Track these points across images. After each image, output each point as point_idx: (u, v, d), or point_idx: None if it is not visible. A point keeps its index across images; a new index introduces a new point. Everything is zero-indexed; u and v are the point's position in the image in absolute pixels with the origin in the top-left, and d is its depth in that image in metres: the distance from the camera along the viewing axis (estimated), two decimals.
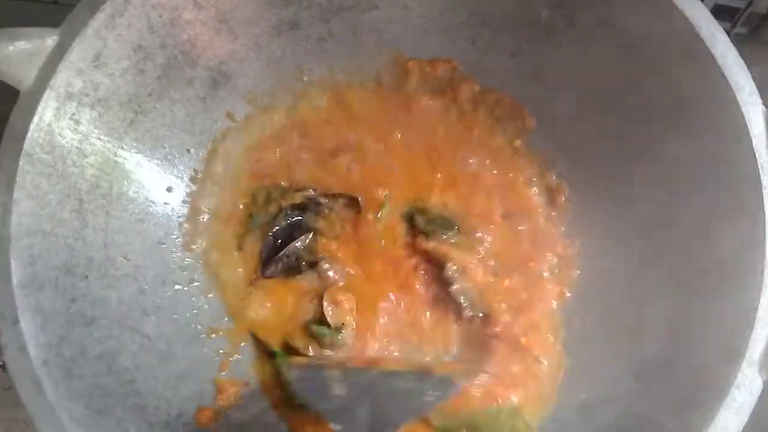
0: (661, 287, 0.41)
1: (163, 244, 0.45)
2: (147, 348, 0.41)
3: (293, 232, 0.47)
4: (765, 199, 0.37)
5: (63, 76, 0.39)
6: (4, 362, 0.48)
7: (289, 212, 0.47)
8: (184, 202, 0.46)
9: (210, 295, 0.45)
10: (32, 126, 0.38)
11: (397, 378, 0.39)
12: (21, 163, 0.38)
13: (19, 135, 0.38)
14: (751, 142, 0.38)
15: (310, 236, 0.47)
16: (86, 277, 0.40)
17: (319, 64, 0.48)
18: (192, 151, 0.46)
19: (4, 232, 0.37)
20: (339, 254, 0.46)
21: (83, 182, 0.41)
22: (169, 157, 0.45)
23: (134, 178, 0.43)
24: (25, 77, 0.38)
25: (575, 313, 0.45)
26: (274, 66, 0.47)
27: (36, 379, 0.36)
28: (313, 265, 0.46)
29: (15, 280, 0.36)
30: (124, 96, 0.42)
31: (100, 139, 0.41)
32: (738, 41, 0.40)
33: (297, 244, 0.47)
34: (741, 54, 0.39)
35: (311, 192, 0.47)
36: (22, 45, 0.38)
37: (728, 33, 0.43)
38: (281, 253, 0.46)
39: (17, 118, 0.38)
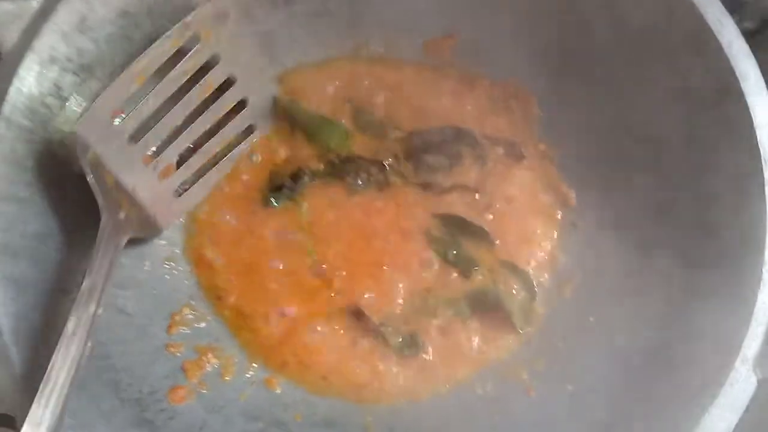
0: (657, 280, 0.40)
1: None
2: (123, 323, 0.40)
3: None
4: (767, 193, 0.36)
5: (47, 40, 0.38)
6: None
7: None
8: None
9: (189, 271, 0.44)
10: (12, 89, 0.37)
11: None
12: None
13: None
14: (755, 132, 0.37)
15: None
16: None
17: (313, 41, 0.47)
18: None
19: None
20: None
21: (64, 151, 0.40)
22: None
23: None
24: (7, 39, 0.37)
25: (565, 301, 0.44)
26: (266, 41, 0.46)
27: (4, 348, 0.35)
28: None
29: None
30: (109, 64, 0.41)
31: (82, 107, 0.40)
32: (745, 36, 0.38)
33: None
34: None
35: None
36: (5, 6, 0.37)
37: None
38: None
39: None
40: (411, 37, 0.47)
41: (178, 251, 0.44)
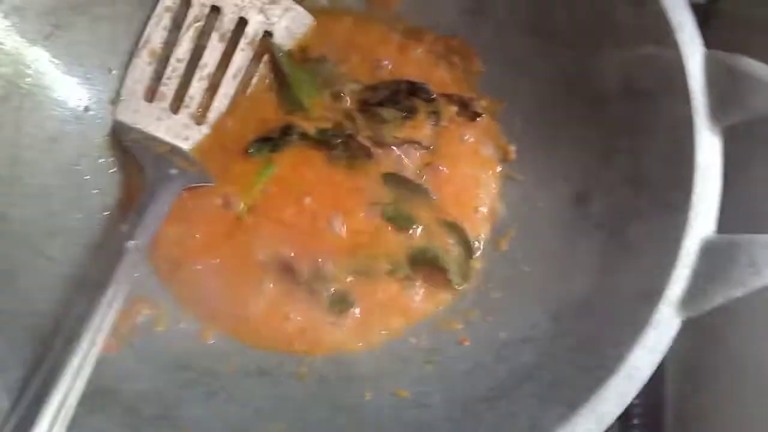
0: (591, 231, 0.40)
1: (78, 166, 0.42)
2: (50, 271, 0.39)
3: None
4: (697, 142, 0.36)
5: None
6: None
7: None
8: (102, 124, 0.44)
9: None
10: None
11: None
12: None
13: None
14: (687, 82, 0.37)
15: None
16: None
17: None
18: (114, 72, 0.44)
19: None
20: None
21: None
22: (88, 75, 0.43)
23: (49, 94, 0.41)
24: None
25: (501, 253, 0.44)
26: None
27: None
28: None
29: None
30: (41, 6, 0.40)
31: (13, 50, 0.39)
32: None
33: None
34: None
35: None
36: None
37: None
38: None
39: None
40: None
41: (111, 201, 0.43)
